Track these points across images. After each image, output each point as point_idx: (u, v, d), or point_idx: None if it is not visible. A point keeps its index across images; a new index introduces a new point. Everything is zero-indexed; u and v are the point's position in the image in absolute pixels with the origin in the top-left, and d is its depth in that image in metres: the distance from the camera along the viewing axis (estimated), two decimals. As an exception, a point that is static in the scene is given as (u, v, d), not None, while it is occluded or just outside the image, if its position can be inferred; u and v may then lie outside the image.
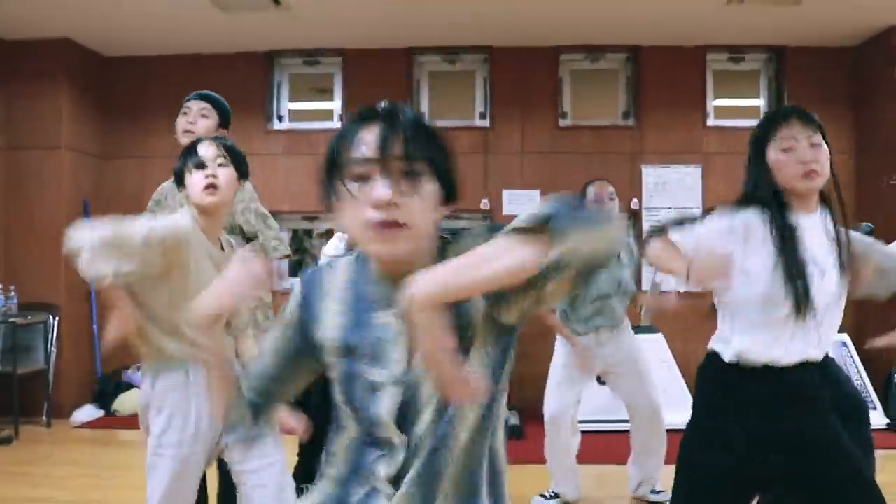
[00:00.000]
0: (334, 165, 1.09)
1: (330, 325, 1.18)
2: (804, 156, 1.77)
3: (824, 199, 1.88)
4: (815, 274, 1.76)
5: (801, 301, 1.74)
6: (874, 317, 5.44)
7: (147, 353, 2.13)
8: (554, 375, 3.54)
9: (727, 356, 1.84)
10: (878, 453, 4.62)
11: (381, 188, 1.04)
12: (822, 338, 1.83)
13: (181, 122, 2.91)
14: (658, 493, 3.50)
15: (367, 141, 1.06)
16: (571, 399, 3.50)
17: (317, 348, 1.20)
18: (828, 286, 1.79)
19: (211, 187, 2.11)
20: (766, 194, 1.82)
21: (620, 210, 3.43)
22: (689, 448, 1.92)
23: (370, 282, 1.16)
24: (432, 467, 1.11)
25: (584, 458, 3.71)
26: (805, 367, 1.81)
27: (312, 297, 1.21)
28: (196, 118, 2.89)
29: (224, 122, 2.96)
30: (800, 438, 1.79)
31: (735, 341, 1.83)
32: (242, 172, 2.24)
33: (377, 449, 1.16)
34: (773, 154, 1.81)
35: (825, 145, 1.80)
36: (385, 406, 1.13)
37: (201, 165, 2.13)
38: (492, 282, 0.98)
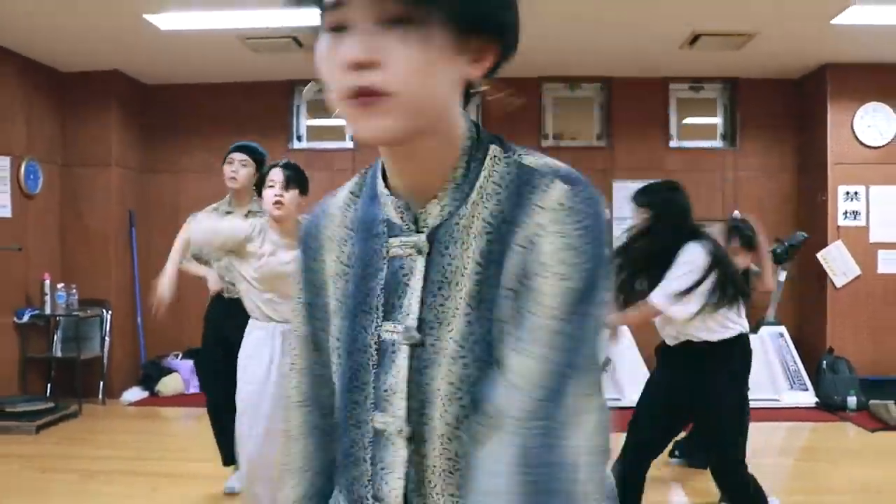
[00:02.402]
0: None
1: (332, 273, 0.86)
2: None
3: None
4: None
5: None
6: (811, 312, 6.35)
7: (249, 309, 2.90)
8: None
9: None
10: (808, 426, 5.52)
11: (351, 43, 0.72)
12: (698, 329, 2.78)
13: (227, 170, 3.50)
14: None
15: None
16: None
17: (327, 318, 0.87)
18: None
19: (278, 204, 2.86)
20: None
21: None
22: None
23: (377, 202, 0.84)
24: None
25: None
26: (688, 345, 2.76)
27: (312, 248, 0.89)
28: (238, 168, 3.50)
29: (260, 166, 3.50)
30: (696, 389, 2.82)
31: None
32: (304, 190, 2.90)
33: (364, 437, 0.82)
34: None
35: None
36: (399, 374, 0.79)
37: (272, 186, 2.83)
38: None
